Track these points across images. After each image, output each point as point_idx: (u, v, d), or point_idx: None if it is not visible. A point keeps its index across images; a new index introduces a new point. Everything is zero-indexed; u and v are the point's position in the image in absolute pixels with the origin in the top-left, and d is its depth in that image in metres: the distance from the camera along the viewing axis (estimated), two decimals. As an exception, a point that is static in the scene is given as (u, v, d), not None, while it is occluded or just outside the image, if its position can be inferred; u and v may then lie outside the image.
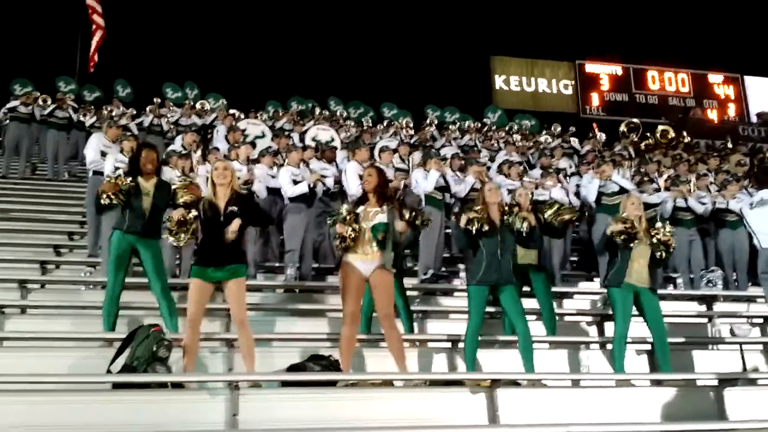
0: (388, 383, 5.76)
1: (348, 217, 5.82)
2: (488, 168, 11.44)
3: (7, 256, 8.76)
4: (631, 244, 6.37)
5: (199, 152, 9.80)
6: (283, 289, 8.27)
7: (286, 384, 5.56)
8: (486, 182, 7.43)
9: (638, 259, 6.46)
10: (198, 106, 15.71)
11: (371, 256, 5.80)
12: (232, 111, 14.83)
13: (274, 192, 8.91)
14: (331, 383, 5.59)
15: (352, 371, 5.88)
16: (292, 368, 5.86)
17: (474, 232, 6.10)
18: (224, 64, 23.17)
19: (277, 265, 9.02)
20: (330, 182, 9.20)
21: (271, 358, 6.16)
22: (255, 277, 8.42)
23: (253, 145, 10.27)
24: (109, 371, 5.37)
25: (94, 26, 19.80)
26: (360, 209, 5.89)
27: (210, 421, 4.92)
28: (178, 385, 5.26)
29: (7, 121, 13.71)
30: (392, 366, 5.83)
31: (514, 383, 5.89)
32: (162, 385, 5.18)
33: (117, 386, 5.10)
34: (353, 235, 5.78)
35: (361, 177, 7.75)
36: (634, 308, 6.51)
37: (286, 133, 12.46)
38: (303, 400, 5.29)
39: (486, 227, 6.09)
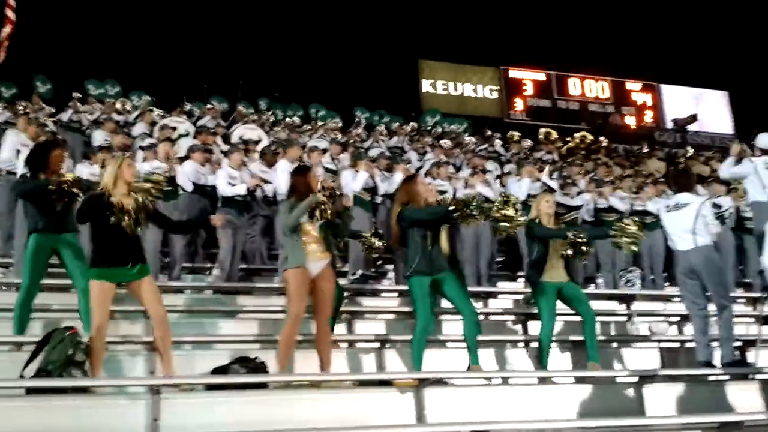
0: (315, 384, 5.72)
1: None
2: (417, 169, 11.53)
3: None
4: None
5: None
6: (210, 290, 8.11)
7: (211, 387, 5.43)
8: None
9: (555, 256, 6.63)
10: (118, 105, 15.17)
11: (320, 255, 5.77)
12: (151, 108, 14.37)
13: (203, 190, 8.75)
14: (258, 386, 5.50)
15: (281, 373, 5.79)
16: (217, 371, 5.74)
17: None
18: (146, 61, 22.51)
19: (202, 265, 8.85)
20: (270, 188, 9.05)
21: (195, 362, 6.01)
22: (179, 278, 8.22)
23: (172, 141, 10.03)
24: (22, 376, 5.12)
25: (5, 19, 19.02)
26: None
27: (130, 426, 4.76)
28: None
29: None
30: (313, 366, 5.81)
31: (441, 382, 5.93)
32: (79, 390, 4.98)
33: (31, 391, 4.88)
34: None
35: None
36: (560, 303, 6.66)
37: (211, 130, 12.19)
38: (228, 403, 5.19)
39: None
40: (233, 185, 8.58)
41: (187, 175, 8.59)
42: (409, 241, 6.10)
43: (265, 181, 9.02)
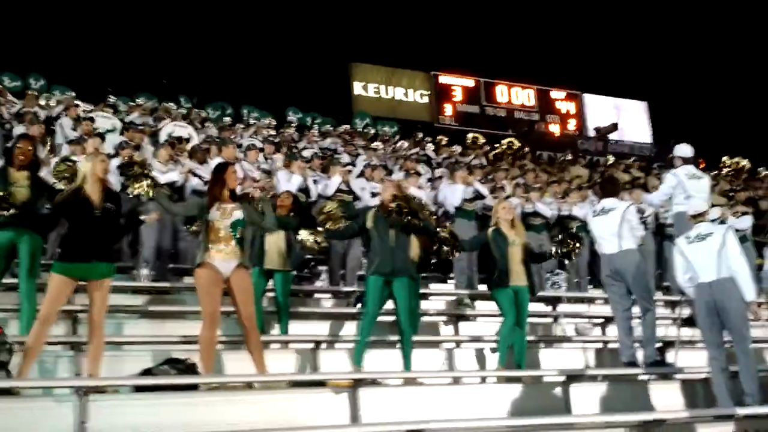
0: (249, 386, 5.66)
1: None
2: (350, 171, 11.53)
3: None
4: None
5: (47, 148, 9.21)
6: (135, 290, 7.87)
7: (140, 389, 5.30)
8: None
9: (515, 260, 6.78)
10: (42, 101, 14.56)
11: (231, 254, 5.66)
12: (77, 102, 13.90)
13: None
14: (189, 387, 5.40)
15: (212, 374, 5.69)
16: (147, 372, 5.61)
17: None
18: (73, 56, 21.75)
19: (129, 264, 8.59)
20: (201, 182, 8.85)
21: (124, 363, 5.87)
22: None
23: (102, 138, 9.75)
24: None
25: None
26: (215, 207, 5.72)
27: (57, 428, 4.61)
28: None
29: None
30: (245, 367, 5.75)
31: (376, 382, 5.96)
32: (3, 392, 4.77)
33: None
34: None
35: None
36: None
37: (139, 127, 11.88)
38: (158, 405, 5.10)
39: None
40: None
41: (114, 172, 8.34)
42: (372, 241, 6.24)
43: (195, 175, 8.84)
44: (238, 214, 5.74)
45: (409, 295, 6.26)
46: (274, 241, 6.97)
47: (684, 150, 8.55)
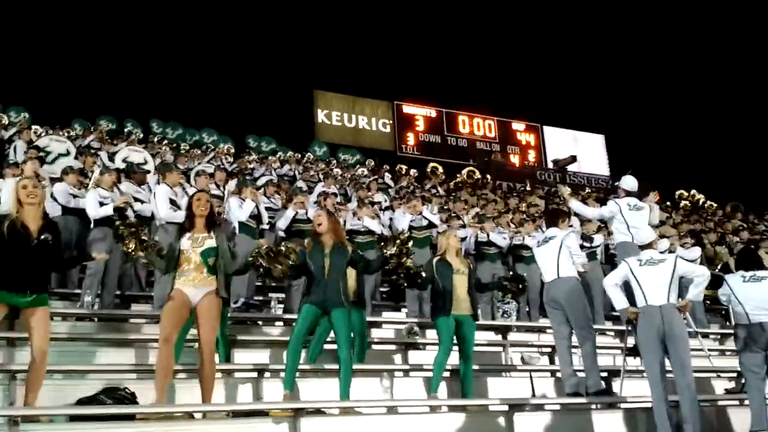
0: (190, 416, 5.55)
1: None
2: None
3: None
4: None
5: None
6: (80, 317, 7.72)
7: (75, 419, 5.17)
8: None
9: (459, 289, 6.81)
10: (-5, 121, 14.38)
11: (201, 282, 5.62)
12: (34, 126, 13.77)
13: (75, 212, 8.38)
14: (127, 417, 5.28)
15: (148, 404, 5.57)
16: (82, 401, 5.48)
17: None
18: (29, 77, 21.56)
19: (75, 291, 8.43)
20: (143, 207, 8.69)
21: (65, 392, 5.71)
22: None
23: (41, 161, 9.64)
24: None
25: None
26: (187, 236, 5.68)
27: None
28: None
29: None
30: (196, 397, 5.63)
31: (319, 412, 5.90)
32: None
33: None
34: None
35: (171, 201, 7.59)
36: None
37: (93, 151, 11.78)
38: (93, 436, 4.96)
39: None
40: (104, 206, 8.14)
41: (56, 196, 8.23)
42: (310, 271, 6.12)
43: (137, 200, 8.68)
44: (210, 243, 5.69)
45: (345, 325, 6.14)
46: None
47: (628, 182, 8.77)
